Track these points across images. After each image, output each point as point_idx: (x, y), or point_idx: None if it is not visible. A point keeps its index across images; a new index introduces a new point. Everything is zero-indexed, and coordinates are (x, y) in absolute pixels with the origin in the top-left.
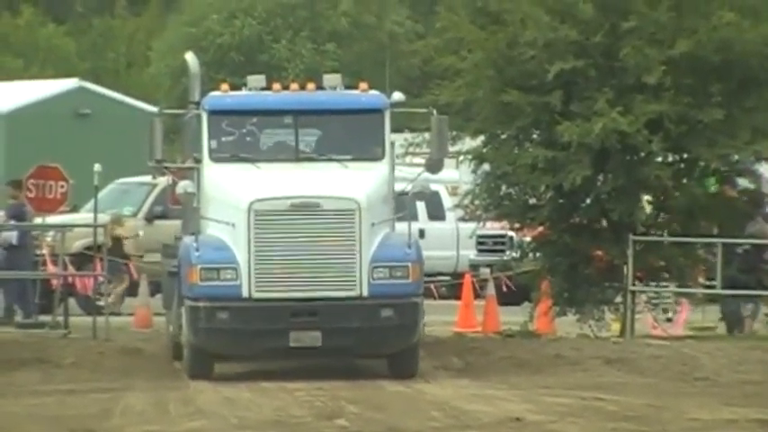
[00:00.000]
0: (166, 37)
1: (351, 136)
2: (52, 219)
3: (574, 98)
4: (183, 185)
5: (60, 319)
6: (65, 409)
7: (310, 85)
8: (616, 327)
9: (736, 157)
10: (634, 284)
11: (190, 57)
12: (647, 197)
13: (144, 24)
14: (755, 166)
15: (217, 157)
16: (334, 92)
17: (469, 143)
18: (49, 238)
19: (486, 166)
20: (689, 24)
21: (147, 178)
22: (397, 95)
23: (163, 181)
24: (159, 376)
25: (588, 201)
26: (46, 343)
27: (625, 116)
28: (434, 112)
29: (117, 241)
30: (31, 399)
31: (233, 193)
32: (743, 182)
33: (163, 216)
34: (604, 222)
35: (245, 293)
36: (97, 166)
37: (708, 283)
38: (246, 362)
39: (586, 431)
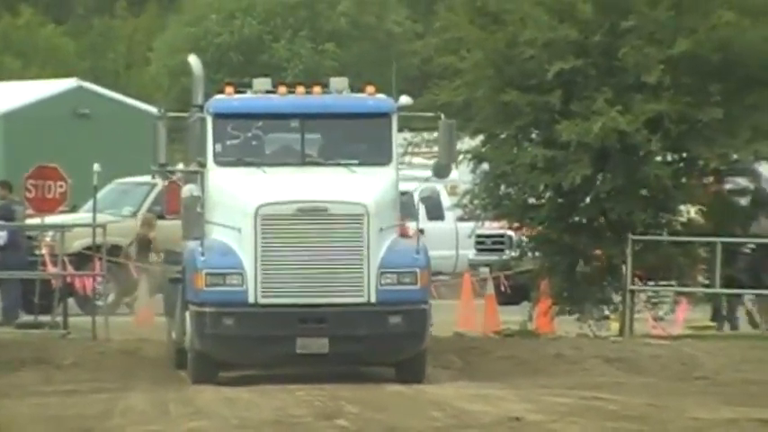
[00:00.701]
0: (166, 37)
1: (358, 140)
2: (51, 219)
3: (573, 97)
4: (189, 189)
5: (60, 319)
6: (65, 409)
7: (317, 89)
8: (615, 326)
9: (736, 156)
10: (633, 284)
11: (193, 59)
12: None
13: (143, 24)
14: (755, 165)
15: (221, 160)
16: (340, 95)
17: (469, 143)
18: (48, 238)
19: (485, 166)
20: (688, 24)
21: (147, 178)
22: (405, 99)
23: (161, 183)
24: (159, 376)
25: (587, 200)
26: (46, 343)
27: (624, 115)
28: (443, 116)
29: (145, 243)
30: (32, 399)
31: (239, 197)
32: (743, 181)
33: (162, 216)
34: (603, 221)
35: (251, 299)
36: (96, 166)
37: (706, 281)
38: (252, 369)
39: (586, 431)
